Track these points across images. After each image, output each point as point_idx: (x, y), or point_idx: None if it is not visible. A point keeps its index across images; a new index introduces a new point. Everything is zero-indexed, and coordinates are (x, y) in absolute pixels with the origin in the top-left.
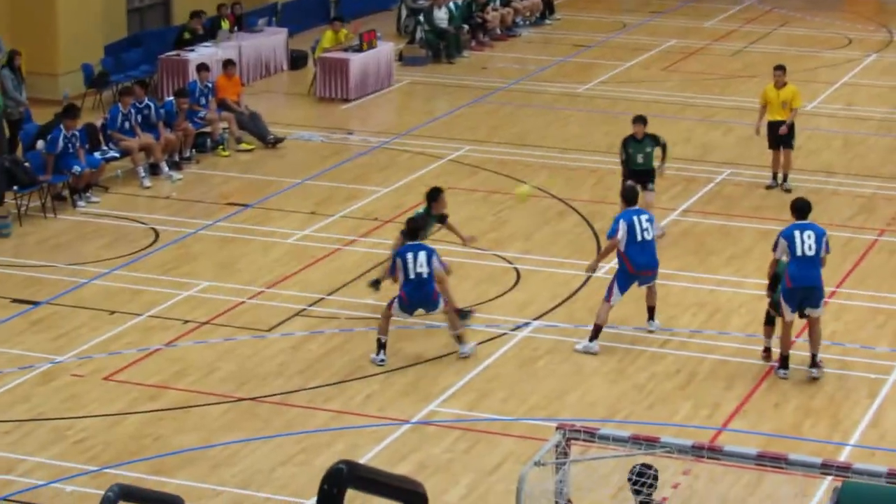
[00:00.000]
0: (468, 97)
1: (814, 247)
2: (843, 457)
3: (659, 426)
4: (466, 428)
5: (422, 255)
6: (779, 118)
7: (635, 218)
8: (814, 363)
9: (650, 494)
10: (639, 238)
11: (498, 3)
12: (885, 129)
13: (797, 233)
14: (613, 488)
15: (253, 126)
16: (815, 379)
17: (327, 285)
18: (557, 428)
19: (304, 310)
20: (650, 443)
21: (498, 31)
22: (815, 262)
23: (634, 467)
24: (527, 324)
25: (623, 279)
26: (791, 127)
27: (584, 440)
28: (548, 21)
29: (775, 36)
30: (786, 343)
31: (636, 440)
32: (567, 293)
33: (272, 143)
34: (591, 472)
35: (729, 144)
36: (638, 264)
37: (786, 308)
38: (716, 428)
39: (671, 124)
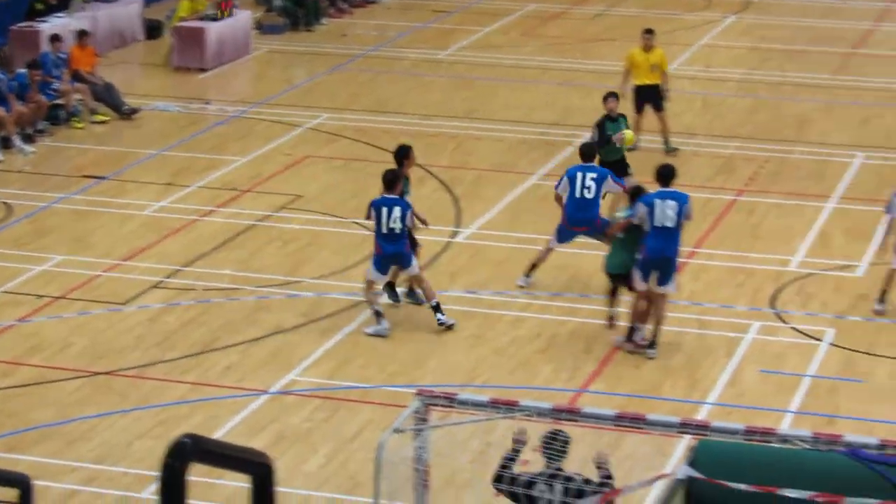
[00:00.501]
0: (327, 65)
1: (674, 218)
2: (701, 415)
3: (520, 390)
4: (326, 396)
5: (396, 210)
6: (647, 82)
7: (579, 173)
8: (652, 344)
9: (560, 459)
10: (578, 194)
11: None
12: (744, 89)
13: (658, 202)
14: (473, 453)
15: (108, 97)
16: (651, 359)
17: (184, 257)
18: (416, 394)
19: (161, 282)
20: (509, 407)
21: None
22: (674, 235)
23: (545, 433)
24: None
25: (561, 230)
26: (659, 89)
27: (443, 406)
28: None
29: None
30: (638, 313)
31: (495, 404)
32: (428, 258)
33: (128, 113)
34: (450, 438)
35: (589, 108)
36: (573, 219)
37: (638, 278)
38: (576, 390)
39: (532, 88)
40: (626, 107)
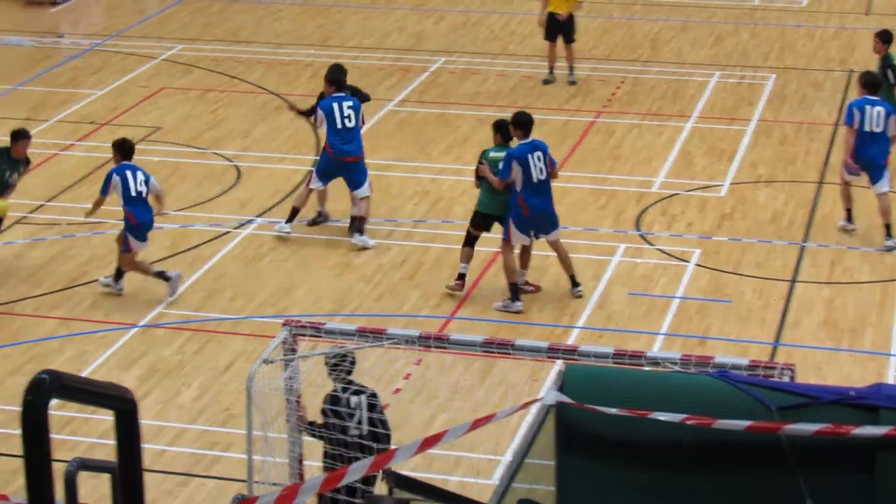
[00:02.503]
0: None
1: (544, 169)
2: (571, 340)
3: (388, 318)
4: (196, 329)
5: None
6: (560, 10)
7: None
8: (574, 283)
9: (349, 377)
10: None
11: None
12: (596, 10)
13: (530, 156)
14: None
15: None
16: (579, 296)
17: (47, 191)
18: (284, 324)
19: (24, 217)
20: (377, 335)
21: None
22: (547, 187)
23: (330, 357)
24: (250, 221)
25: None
26: (572, 19)
27: (311, 336)
28: None
29: None
30: (512, 270)
31: (363, 333)
32: (289, 188)
33: None
34: (322, 368)
35: (441, 32)
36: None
37: (518, 235)
38: (445, 317)
39: (385, 14)
40: (474, 31)
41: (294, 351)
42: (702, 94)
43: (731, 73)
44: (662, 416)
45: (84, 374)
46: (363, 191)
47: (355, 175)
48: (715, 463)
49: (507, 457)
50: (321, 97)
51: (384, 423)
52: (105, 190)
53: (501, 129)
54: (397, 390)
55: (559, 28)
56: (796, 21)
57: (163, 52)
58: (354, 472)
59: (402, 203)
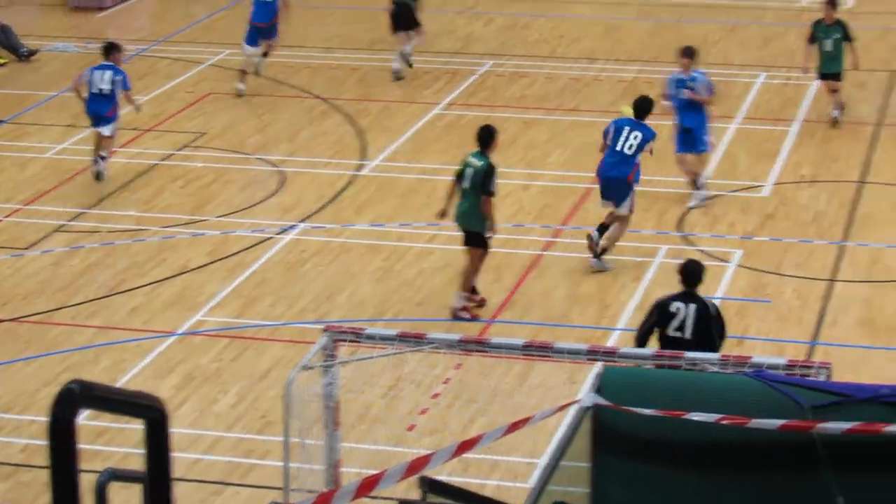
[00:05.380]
0: (227, 0)
1: (635, 146)
2: (611, 342)
3: (429, 322)
4: (234, 336)
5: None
6: None
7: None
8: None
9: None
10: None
11: None
12: (644, 13)
13: (626, 129)
14: (383, 388)
15: (5, 40)
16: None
17: (87, 199)
18: (324, 330)
19: (64, 225)
20: (418, 340)
21: None
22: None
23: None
24: (293, 226)
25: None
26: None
27: (351, 341)
28: None
29: None
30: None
31: (404, 338)
32: (333, 193)
33: (26, 56)
34: (361, 373)
35: (490, 35)
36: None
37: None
38: (485, 321)
39: (431, 18)
40: (522, 33)
41: (334, 357)
42: (747, 95)
43: (778, 75)
44: (698, 417)
45: (120, 383)
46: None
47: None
48: (751, 463)
49: (545, 460)
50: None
51: None
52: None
53: (482, 136)
54: (436, 395)
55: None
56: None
57: (210, 57)
58: (391, 478)
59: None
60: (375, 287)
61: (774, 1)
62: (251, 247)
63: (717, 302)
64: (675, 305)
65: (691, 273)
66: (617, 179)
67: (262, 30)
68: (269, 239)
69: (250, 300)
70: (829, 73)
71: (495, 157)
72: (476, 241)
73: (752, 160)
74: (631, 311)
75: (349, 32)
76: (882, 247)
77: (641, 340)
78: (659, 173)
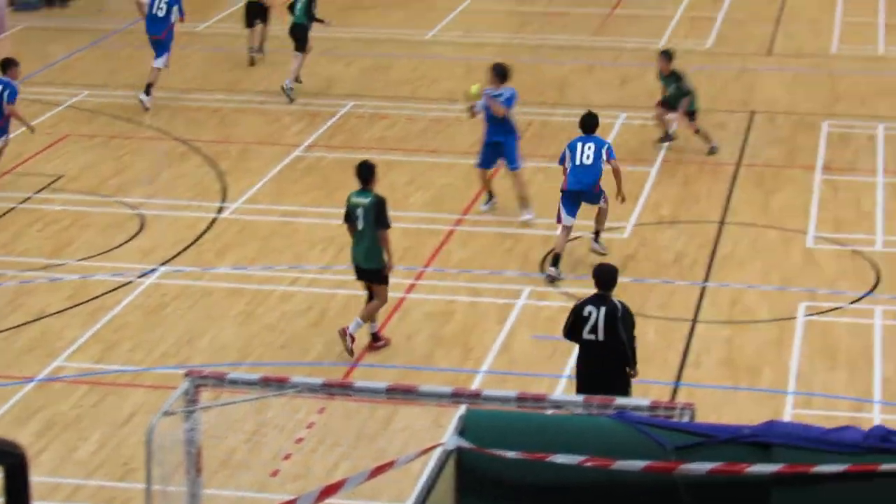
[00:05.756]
0: (85, 41)
1: (592, 156)
2: (475, 384)
3: (292, 366)
4: (94, 382)
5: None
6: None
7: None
8: (597, 239)
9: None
10: (577, 162)
11: None
12: (505, 53)
13: (580, 144)
14: (246, 433)
15: None
16: (602, 254)
17: None
18: (186, 375)
19: None
20: (280, 384)
21: None
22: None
23: None
24: (153, 270)
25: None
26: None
27: (213, 386)
28: None
29: None
30: (560, 244)
31: (266, 382)
32: (193, 236)
33: None
34: (223, 418)
35: (351, 76)
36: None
37: (564, 214)
38: (349, 364)
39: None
40: (384, 74)
41: (196, 402)
42: (608, 135)
43: (636, 115)
44: (561, 459)
45: None
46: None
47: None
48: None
49: None
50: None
51: None
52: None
53: (361, 173)
54: (300, 440)
55: (257, 14)
56: (700, 63)
57: (68, 98)
58: None
59: (308, 249)
60: (238, 331)
61: (632, 41)
62: (111, 291)
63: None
64: (588, 309)
65: (602, 277)
66: (588, 189)
67: (156, 42)
68: (129, 283)
69: (111, 345)
70: (687, 111)
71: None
72: (378, 277)
73: (613, 201)
74: (495, 352)
75: (208, 73)
76: (742, 287)
77: (571, 339)
78: (521, 214)
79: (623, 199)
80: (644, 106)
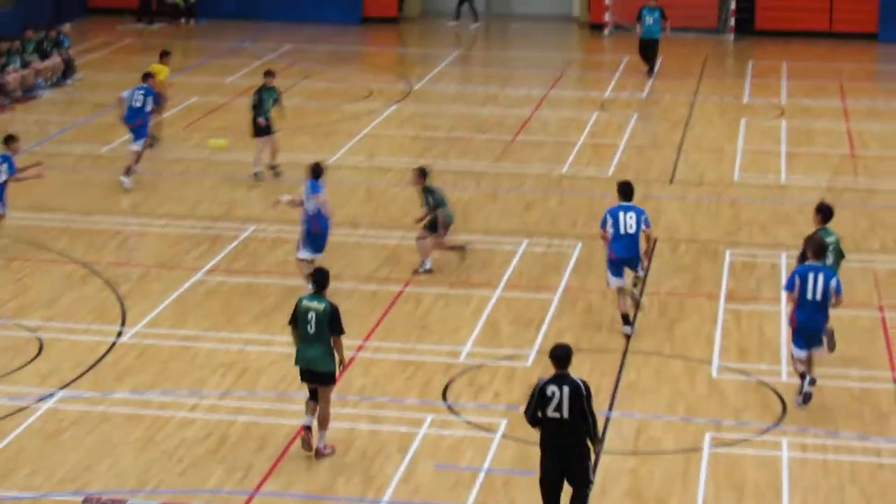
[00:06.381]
0: None
1: (634, 225)
2: None
3: (191, 493)
4: None
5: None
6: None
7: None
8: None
9: None
10: (622, 231)
11: (18, 63)
12: (407, 179)
13: (621, 213)
14: None
15: None
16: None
17: None
18: (84, 501)
19: None
20: None
21: (18, 93)
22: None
23: None
24: (51, 394)
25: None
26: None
27: None
28: (69, 82)
29: (298, 89)
30: (623, 305)
31: None
32: (93, 360)
33: None
34: None
35: (253, 200)
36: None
37: (612, 277)
38: (248, 492)
39: (197, 182)
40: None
41: None
42: (509, 262)
43: (539, 241)
44: None
45: None
46: None
47: None
48: None
49: None
50: None
51: None
52: None
53: (318, 279)
54: None
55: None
56: (603, 189)
57: None
58: None
59: (208, 375)
60: (137, 457)
61: (534, 167)
62: (7, 416)
63: (482, 474)
64: (550, 389)
65: (559, 357)
66: (635, 256)
67: (134, 129)
68: (25, 408)
69: (8, 471)
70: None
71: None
72: (331, 380)
73: (515, 328)
74: (397, 481)
75: (110, 196)
76: (647, 417)
77: (533, 421)
78: (422, 341)
79: (648, 261)
80: (546, 232)
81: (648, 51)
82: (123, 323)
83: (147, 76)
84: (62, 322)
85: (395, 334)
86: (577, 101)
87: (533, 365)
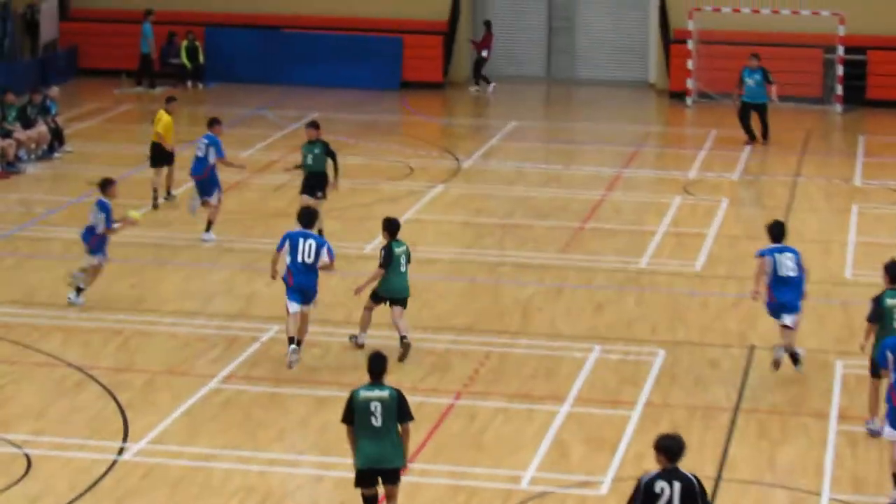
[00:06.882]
0: None
1: (795, 267)
2: None
3: None
4: None
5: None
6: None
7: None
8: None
9: None
10: (782, 273)
11: None
12: (457, 272)
13: (777, 255)
14: None
15: None
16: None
17: None
18: None
19: None
20: None
21: None
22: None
23: None
24: None
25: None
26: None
27: None
28: (57, 154)
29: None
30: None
31: None
32: (89, 482)
33: None
34: None
35: (276, 296)
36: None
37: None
38: None
39: (209, 273)
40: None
41: None
42: (578, 372)
43: (613, 349)
44: None
45: None
46: None
47: None
48: None
49: None
50: None
51: None
52: None
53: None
54: None
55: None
56: (689, 288)
57: None
58: None
59: (224, 501)
60: None
61: (606, 260)
62: None
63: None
64: (659, 485)
65: (670, 449)
66: (794, 301)
67: (200, 183)
68: None
69: None
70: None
71: None
72: (399, 476)
73: (587, 449)
74: None
75: (108, 290)
76: None
77: None
78: (477, 464)
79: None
80: (621, 337)
81: (751, 118)
82: (125, 438)
83: (213, 123)
84: (53, 436)
85: (445, 455)
86: (655, 183)
87: (609, 493)
